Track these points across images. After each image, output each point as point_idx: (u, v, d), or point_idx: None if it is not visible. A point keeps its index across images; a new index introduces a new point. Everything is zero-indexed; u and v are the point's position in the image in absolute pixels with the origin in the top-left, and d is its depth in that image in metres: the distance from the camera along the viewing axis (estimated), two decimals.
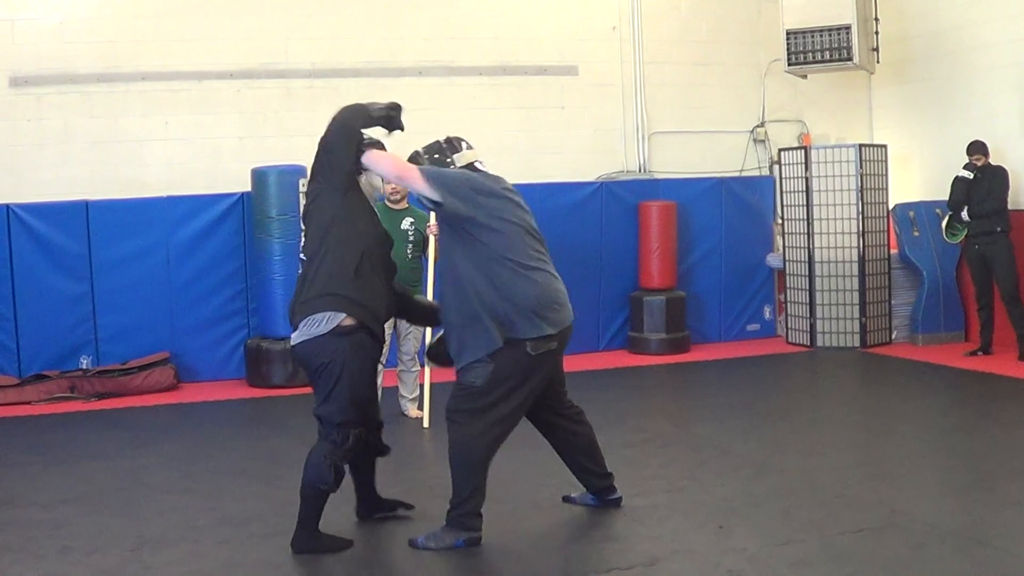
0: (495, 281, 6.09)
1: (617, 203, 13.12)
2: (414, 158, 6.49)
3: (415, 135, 12.78)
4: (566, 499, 7.04)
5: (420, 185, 6.13)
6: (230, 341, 11.89)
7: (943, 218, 12.59)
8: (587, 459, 6.83)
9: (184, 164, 12.03)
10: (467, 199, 6.13)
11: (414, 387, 9.76)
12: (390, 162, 6.29)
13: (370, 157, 6.23)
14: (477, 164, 6.53)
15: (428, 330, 9.77)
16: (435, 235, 9.49)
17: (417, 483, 7.59)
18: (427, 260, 9.62)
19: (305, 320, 6.09)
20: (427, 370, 9.67)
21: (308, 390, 10.99)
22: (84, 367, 11.34)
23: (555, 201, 12.78)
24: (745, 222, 13.79)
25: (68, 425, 9.91)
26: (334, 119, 6.27)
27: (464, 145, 6.56)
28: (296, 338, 6.18)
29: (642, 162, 13.80)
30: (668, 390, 11.53)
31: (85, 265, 11.38)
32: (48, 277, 11.29)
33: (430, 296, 9.69)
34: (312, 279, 6.12)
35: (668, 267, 12.99)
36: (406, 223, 9.58)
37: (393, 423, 9.35)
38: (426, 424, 9.41)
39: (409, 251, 9.58)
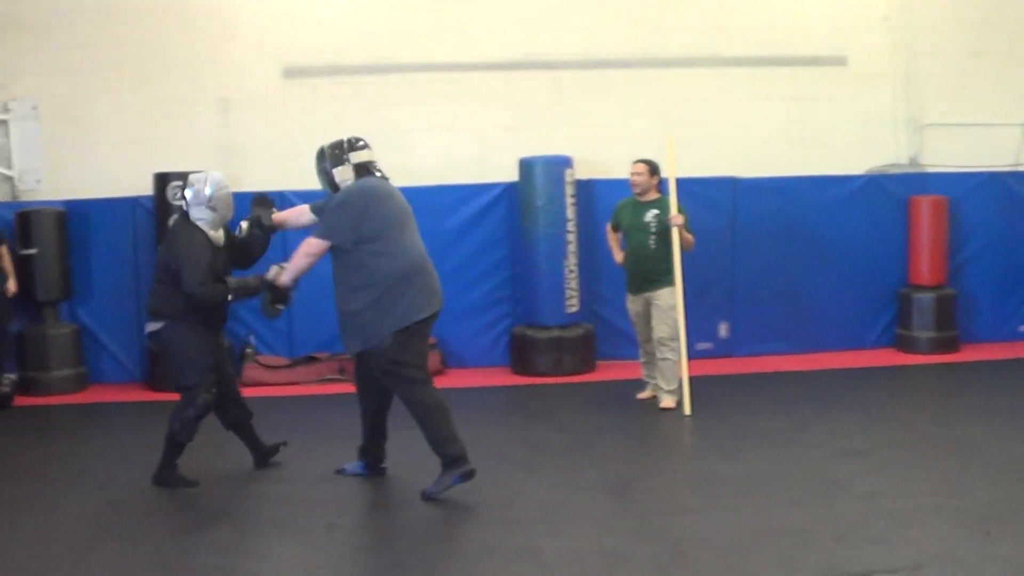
0: None
1: (886, 197, 12.79)
2: (320, 153, 7.45)
3: (688, 126, 12.58)
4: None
5: (317, 247, 7.33)
6: (495, 328, 12.14)
7: None
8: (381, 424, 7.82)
9: (452, 154, 12.28)
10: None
11: None
12: (299, 258, 7.47)
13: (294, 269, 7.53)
14: (371, 166, 7.46)
15: None
16: (678, 225, 9.52)
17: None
18: (672, 250, 9.66)
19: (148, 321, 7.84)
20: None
21: (573, 379, 11.21)
22: None
23: (821, 194, 12.60)
24: (1020, 219, 13.24)
25: (335, 406, 10.23)
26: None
27: (362, 145, 7.48)
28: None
29: (912, 155, 13.41)
30: (935, 390, 11.21)
31: None
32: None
33: (679, 285, 9.67)
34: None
35: (938, 264, 12.58)
36: (649, 215, 9.75)
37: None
38: None
39: (652, 242, 9.67)
